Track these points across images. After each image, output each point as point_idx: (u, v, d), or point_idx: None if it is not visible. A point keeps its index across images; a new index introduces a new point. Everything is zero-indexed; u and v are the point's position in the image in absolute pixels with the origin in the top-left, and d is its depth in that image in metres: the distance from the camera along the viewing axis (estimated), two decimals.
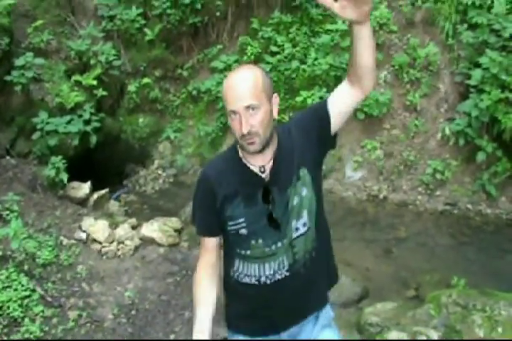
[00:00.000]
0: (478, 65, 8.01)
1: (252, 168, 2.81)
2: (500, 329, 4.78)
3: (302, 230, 2.85)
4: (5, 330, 5.12)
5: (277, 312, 2.97)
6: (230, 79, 2.69)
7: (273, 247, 2.82)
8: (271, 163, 2.79)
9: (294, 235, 2.83)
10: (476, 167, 8.21)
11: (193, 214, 3.01)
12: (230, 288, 3.06)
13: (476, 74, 7.89)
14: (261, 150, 2.71)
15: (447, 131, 8.36)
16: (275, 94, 2.77)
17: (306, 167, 2.82)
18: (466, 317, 4.93)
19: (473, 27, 8.38)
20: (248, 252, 2.85)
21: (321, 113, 2.81)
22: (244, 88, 2.62)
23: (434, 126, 8.67)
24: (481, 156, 7.88)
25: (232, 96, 2.63)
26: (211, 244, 2.98)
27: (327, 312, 3.14)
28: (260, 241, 2.81)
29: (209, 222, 2.93)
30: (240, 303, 3.07)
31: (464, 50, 8.50)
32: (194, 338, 2.77)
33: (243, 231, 2.81)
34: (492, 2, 8.28)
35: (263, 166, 2.79)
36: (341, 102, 2.80)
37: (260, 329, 3.04)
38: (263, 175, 2.79)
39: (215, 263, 2.99)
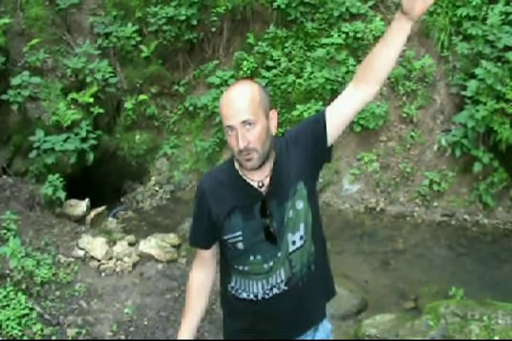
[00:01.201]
0: (473, 76, 8.02)
1: (250, 182, 2.80)
2: (497, 338, 4.79)
3: (299, 243, 2.83)
4: None
5: (275, 327, 2.95)
6: (227, 94, 2.70)
7: (271, 263, 2.80)
8: (269, 177, 2.78)
9: (291, 248, 2.82)
10: (473, 177, 8.21)
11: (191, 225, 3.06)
12: (228, 303, 3.05)
13: (472, 85, 7.90)
14: (259, 167, 2.70)
15: (443, 142, 8.36)
16: (273, 110, 2.77)
17: (302, 180, 2.81)
18: (464, 327, 4.93)
19: (468, 38, 8.41)
20: (246, 268, 2.84)
21: (318, 125, 2.80)
22: (241, 103, 2.61)
23: (431, 138, 8.68)
24: (477, 167, 7.88)
25: (229, 112, 2.63)
26: (205, 255, 3.03)
27: (325, 325, 3.13)
28: (258, 257, 2.80)
29: (201, 234, 2.96)
30: (237, 318, 3.05)
31: (459, 61, 8.53)
32: None
33: (240, 245, 2.79)
34: (486, 13, 8.31)
35: (261, 181, 2.78)
36: (341, 110, 2.79)
37: None
38: (261, 189, 2.79)
39: (208, 272, 3.05)
